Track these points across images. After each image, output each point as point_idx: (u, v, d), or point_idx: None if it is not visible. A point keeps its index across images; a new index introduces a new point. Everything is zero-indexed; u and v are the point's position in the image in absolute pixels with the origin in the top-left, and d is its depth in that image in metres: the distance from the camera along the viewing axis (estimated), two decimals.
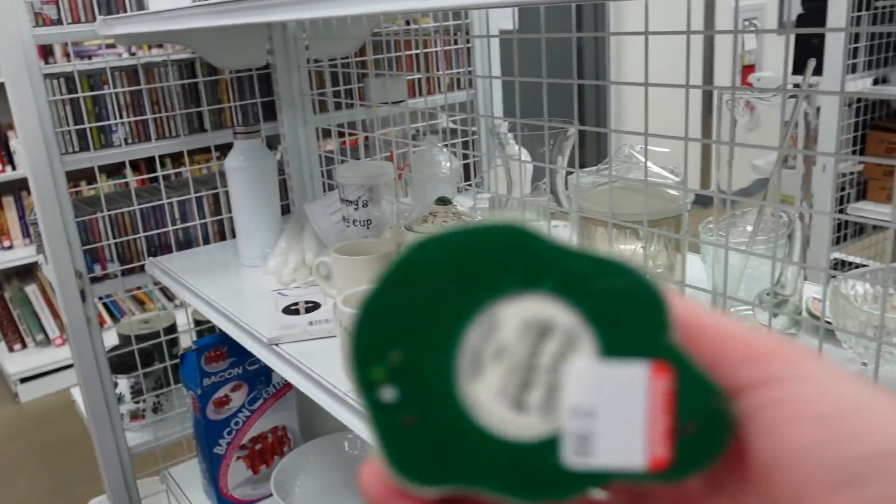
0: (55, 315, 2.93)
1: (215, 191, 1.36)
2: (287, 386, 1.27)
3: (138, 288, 1.35)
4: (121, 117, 1.27)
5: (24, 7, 1.12)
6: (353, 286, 0.88)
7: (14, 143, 2.80)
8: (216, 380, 1.20)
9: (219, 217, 1.37)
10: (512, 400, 0.21)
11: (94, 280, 1.27)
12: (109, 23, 1.12)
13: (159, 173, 1.30)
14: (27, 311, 2.93)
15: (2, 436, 2.57)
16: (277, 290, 1.07)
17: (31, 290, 2.94)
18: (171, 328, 1.40)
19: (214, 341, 1.19)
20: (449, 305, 0.21)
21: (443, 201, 0.89)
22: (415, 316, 0.21)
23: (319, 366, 0.83)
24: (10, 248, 2.91)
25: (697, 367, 0.21)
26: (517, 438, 0.21)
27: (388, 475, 0.21)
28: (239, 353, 1.20)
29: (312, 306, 0.98)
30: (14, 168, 2.80)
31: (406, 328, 0.21)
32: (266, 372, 1.24)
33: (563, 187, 1.05)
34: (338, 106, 1.43)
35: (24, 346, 2.90)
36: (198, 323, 1.43)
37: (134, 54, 2.06)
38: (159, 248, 1.33)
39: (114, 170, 2.53)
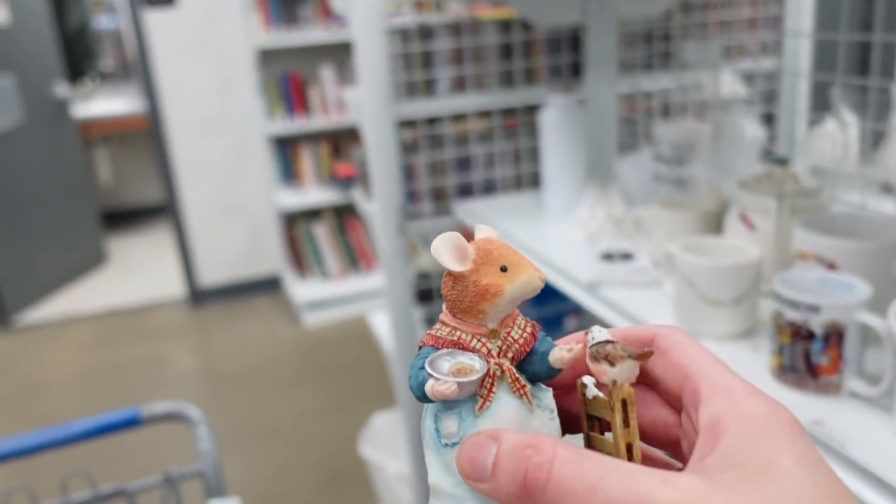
0: (336, 252, 3.27)
1: (516, 146, 1.45)
2: None
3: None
4: (444, 71, 1.39)
5: None
6: (671, 239, 0.90)
7: (344, 94, 3.13)
8: None
9: (516, 170, 1.46)
10: None
11: (408, 217, 1.41)
12: None
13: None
14: (313, 248, 3.30)
15: (289, 353, 2.95)
16: (586, 239, 1.13)
17: (318, 229, 3.30)
18: None
19: None
20: None
21: (780, 162, 0.88)
22: None
23: (644, 314, 0.87)
24: (304, 191, 3.29)
25: None
26: None
27: None
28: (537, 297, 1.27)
29: (627, 256, 1.02)
30: (308, 119, 3.14)
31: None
32: (558, 319, 1.30)
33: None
34: (644, 69, 1.45)
35: (309, 278, 3.28)
36: None
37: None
38: (463, 193, 1.44)
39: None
